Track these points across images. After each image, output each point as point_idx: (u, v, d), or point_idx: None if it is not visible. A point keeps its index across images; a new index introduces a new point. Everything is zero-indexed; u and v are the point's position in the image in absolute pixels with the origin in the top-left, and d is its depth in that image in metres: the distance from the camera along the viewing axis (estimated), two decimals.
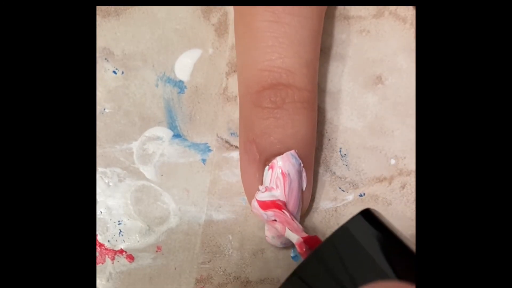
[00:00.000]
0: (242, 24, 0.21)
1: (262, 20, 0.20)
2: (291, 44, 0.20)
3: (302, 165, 0.20)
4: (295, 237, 0.20)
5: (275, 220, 0.20)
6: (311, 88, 0.21)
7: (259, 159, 0.20)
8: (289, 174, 0.20)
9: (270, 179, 0.20)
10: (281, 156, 0.20)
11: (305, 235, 0.20)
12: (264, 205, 0.20)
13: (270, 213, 0.20)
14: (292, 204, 0.20)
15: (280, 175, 0.20)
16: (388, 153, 0.23)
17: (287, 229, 0.20)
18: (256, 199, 0.20)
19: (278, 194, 0.20)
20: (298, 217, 0.21)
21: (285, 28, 0.20)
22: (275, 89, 0.20)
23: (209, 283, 0.22)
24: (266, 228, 0.21)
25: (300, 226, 0.20)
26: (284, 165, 0.20)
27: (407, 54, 0.23)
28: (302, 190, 0.21)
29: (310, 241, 0.19)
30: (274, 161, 0.20)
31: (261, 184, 0.20)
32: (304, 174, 0.21)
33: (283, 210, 0.20)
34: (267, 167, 0.20)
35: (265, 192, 0.20)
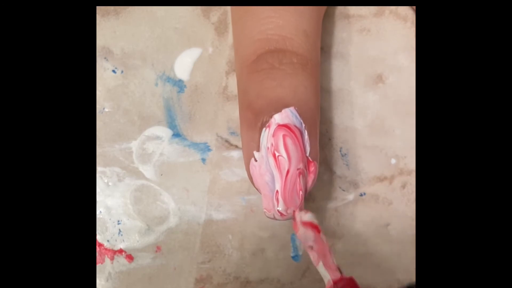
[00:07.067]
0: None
1: None
2: (288, 15, 0.19)
3: (304, 126, 0.18)
4: (326, 276, 0.17)
5: (311, 247, 0.18)
6: (311, 56, 0.19)
7: (255, 122, 0.18)
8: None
9: (267, 138, 0.18)
10: (279, 113, 0.18)
11: (338, 276, 0.17)
12: (304, 223, 0.18)
13: (310, 234, 0.18)
14: (294, 166, 0.18)
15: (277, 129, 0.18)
16: (388, 152, 0.23)
17: (320, 262, 0.18)
18: (298, 219, 0.18)
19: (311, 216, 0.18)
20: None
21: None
22: (272, 52, 0.19)
23: (209, 283, 0.22)
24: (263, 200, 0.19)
25: (335, 263, 0.18)
26: (282, 119, 0.18)
27: (408, 53, 0.23)
28: (306, 154, 0.19)
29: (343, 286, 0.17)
30: (271, 119, 0.18)
31: (258, 150, 0.18)
32: (306, 137, 0.18)
33: (320, 233, 0.18)
34: (264, 129, 0.18)
35: (308, 214, 0.18)
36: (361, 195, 0.23)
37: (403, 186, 0.23)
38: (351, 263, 0.22)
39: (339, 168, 0.23)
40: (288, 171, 0.18)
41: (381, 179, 0.23)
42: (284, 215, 0.18)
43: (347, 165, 0.23)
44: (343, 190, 0.23)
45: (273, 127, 0.18)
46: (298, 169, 0.18)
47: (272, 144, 0.18)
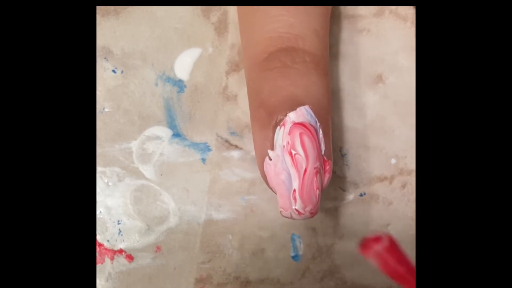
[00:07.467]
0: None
1: None
2: (299, 13, 0.18)
3: (318, 124, 0.18)
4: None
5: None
6: (322, 55, 0.19)
7: (269, 120, 0.18)
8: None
9: (283, 137, 0.18)
10: (294, 111, 0.18)
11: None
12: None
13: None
14: (312, 165, 0.18)
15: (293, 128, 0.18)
16: (389, 152, 0.23)
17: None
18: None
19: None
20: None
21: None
22: (284, 50, 0.18)
23: (209, 283, 0.22)
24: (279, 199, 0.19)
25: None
26: (297, 118, 0.18)
27: (408, 53, 0.23)
28: (321, 153, 0.18)
29: None
30: (286, 118, 0.18)
31: (272, 148, 0.18)
32: (321, 136, 0.18)
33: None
34: (278, 127, 0.18)
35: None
36: (361, 195, 0.23)
37: (403, 186, 0.23)
38: (351, 263, 0.22)
39: (339, 168, 0.23)
40: (305, 170, 0.18)
41: (381, 179, 0.23)
42: (302, 214, 0.18)
43: (347, 165, 0.23)
44: (343, 190, 0.23)
45: (288, 125, 0.18)
46: (315, 167, 0.18)
47: (288, 142, 0.18)
